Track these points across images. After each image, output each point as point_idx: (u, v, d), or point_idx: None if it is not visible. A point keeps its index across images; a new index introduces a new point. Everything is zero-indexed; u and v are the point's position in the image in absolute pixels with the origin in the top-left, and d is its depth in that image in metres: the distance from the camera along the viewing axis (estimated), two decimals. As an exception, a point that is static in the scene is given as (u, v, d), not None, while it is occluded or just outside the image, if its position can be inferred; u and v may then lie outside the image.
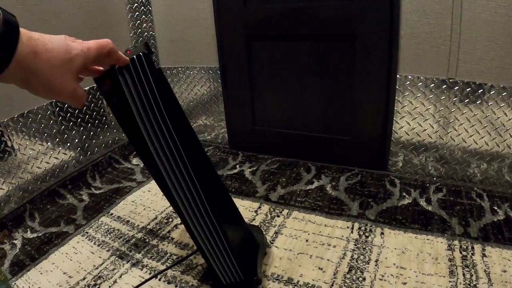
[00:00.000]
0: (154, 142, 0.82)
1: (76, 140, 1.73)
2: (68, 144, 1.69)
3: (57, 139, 1.64)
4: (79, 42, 0.57)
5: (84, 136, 1.77)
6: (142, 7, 1.97)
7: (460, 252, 1.12)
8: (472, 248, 1.14)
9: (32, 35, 0.50)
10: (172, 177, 0.86)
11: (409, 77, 1.47)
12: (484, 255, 1.10)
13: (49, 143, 1.60)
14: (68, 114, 1.67)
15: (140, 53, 0.75)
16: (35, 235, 1.38)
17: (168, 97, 0.81)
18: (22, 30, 0.48)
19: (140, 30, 2.01)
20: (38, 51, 0.50)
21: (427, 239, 1.19)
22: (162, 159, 0.84)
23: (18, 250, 1.31)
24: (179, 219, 1.37)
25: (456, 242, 1.17)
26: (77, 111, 1.70)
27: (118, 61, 0.69)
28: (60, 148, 1.66)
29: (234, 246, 0.96)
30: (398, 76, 1.49)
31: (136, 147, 0.86)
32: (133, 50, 0.77)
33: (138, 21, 1.99)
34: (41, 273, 1.18)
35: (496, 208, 1.33)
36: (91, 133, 1.81)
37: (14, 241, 1.36)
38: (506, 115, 1.35)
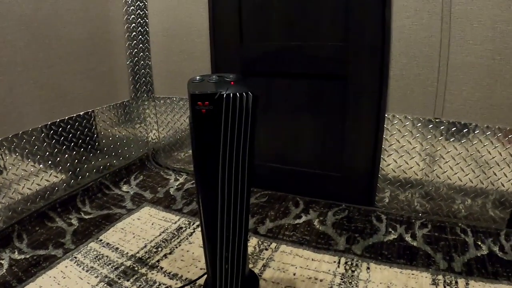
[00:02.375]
0: (225, 174, 0.84)
1: (68, 164, 1.74)
2: (60, 167, 1.70)
3: (49, 162, 1.64)
4: None
5: (76, 160, 1.77)
6: (140, 36, 2.01)
7: (444, 287, 1.14)
8: (456, 282, 1.16)
9: None
10: (225, 211, 0.88)
11: (397, 116, 1.52)
12: (467, 290, 1.13)
13: (41, 165, 1.61)
14: (62, 138, 1.68)
15: (250, 93, 0.77)
16: (22, 256, 1.37)
17: (252, 140, 0.84)
18: None
19: (136, 58, 2.05)
20: None
21: (412, 274, 1.21)
22: (225, 192, 0.86)
23: (4, 270, 1.29)
24: (168, 248, 1.39)
25: (440, 276, 1.19)
26: (70, 135, 1.72)
27: None
28: (52, 170, 1.66)
29: (243, 280, 0.98)
30: (386, 115, 1.54)
31: (202, 173, 0.86)
32: (236, 83, 0.78)
33: (136, 50, 2.04)
34: (27, 297, 1.17)
35: (479, 243, 1.36)
36: (83, 157, 1.82)
37: (1, 261, 1.34)
38: (490, 153, 1.41)
